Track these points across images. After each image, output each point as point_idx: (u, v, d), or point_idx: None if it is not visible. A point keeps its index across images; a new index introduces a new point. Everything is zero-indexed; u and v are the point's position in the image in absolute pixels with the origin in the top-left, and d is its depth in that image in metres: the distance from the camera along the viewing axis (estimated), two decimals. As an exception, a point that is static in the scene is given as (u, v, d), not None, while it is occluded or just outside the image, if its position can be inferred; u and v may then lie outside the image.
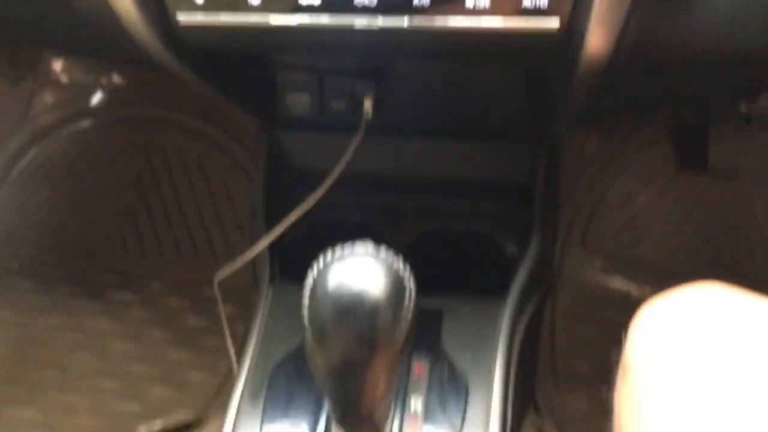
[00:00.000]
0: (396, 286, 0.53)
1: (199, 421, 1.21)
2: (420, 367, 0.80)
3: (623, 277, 1.39)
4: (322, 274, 0.53)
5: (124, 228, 1.51)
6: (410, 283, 0.54)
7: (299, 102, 0.97)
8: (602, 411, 1.22)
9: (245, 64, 0.93)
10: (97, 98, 1.58)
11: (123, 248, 1.50)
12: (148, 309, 1.43)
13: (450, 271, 0.93)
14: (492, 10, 0.64)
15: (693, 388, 0.47)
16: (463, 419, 0.78)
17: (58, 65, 1.58)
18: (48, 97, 1.58)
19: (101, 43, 0.83)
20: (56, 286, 1.46)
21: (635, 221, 1.40)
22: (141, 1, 0.67)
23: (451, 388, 0.80)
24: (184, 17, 0.68)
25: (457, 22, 0.65)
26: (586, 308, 1.37)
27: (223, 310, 1.11)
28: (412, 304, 0.53)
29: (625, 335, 0.53)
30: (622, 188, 1.41)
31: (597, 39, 0.64)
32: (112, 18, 0.69)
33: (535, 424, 1.17)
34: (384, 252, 0.55)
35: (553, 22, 0.64)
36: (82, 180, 1.55)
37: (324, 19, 0.66)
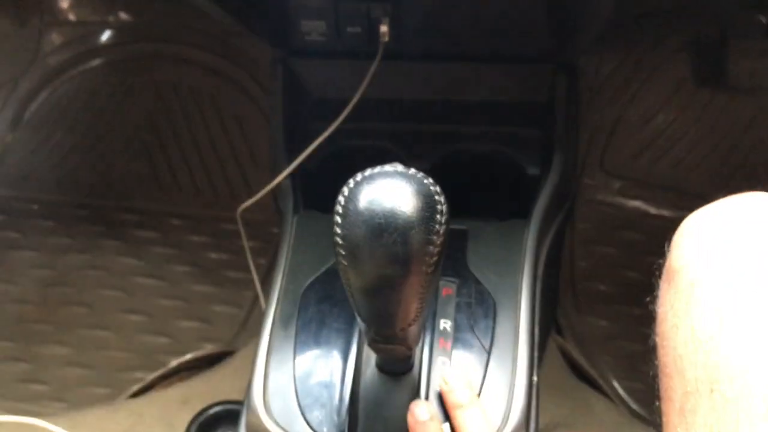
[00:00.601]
0: (428, 202, 0.53)
1: (228, 353, 1.24)
2: (447, 288, 0.81)
3: (642, 198, 1.39)
4: (353, 193, 0.53)
5: (140, 166, 1.51)
6: (441, 200, 0.54)
7: (314, 28, 0.96)
8: (623, 329, 1.23)
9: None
10: (106, 36, 1.56)
11: (140, 186, 1.51)
12: (169, 245, 1.45)
13: (472, 193, 0.93)
14: None
15: (745, 291, 0.47)
16: (492, 339, 0.78)
17: (64, 3, 1.56)
18: (56, 37, 1.56)
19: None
20: (77, 226, 1.47)
21: (654, 141, 1.39)
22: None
23: (479, 308, 0.80)
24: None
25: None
26: (604, 229, 1.37)
27: (246, 242, 1.12)
28: (444, 220, 0.53)
29: (668, 244, 0.53)
30: (640, 108, 1.40)
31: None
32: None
33: (558, 344, 1.19)
34: (413, 171, 0.55)
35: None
36: (95, 119, 1.54)
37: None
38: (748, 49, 1.30)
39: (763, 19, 1.31)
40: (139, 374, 1.25)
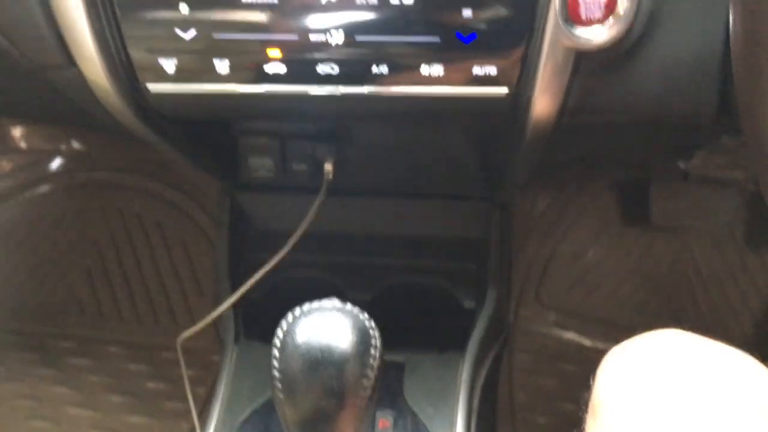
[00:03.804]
0: (362, 338, 0.55)
1: (160, 487, 1.20)
2: (384, 420, 0.82)
3: (576, 330, 1.43)
4: (291, 328, 0.56)
5: (81, 292, 1.50)
6: (376, 335, 0.56)
7: (261, 165, 1.00)
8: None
9: (209, 129, 0.97)
10: (55, 164, 1.59)
11: (80, 313, 1.49)
12: (106, 374, 1.42)
13: (410, 326, 0.96)
14: (445, 79, 0.69)
15: (662, 424, 0.50)
16: (428, 472, 0.79)
17: (16, 132, 1.59)
18: (5, 164, 1.58)
19: (68, 111, 0.85)
20: (11, 353, 1.44)
21: (586, 275, 1.46)
22: (113, 71, 0.70)
23: (415, 440, 0.82)
24: (154, 86, 0.71)
25: (413, 89, 0.69)
26: (542, 361, 1.40)
27: (185, 372, 1.11)
28: (378, 354, 0.56)
29: (593, 378, 0.56)
30: (571, 244, 1.47)
31: (542, 104, 0.69)
32: (83, 87, 0.72)
33: (497, 478, 1.19)
34: (350, 306, 0.58)
35: (501, 89, 0.69)
36: (39, 245, 1.54)
37: (289, 88, 0.70)
38: (669, 191, 1.40)
39: (682, 165, 1.42)
40: None
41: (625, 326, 1.41)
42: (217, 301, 1.01)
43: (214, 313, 0.97)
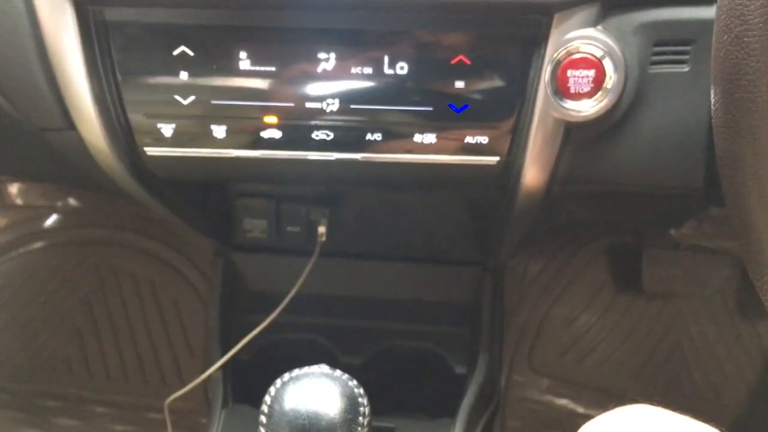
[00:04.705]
0: (351, 405, 0.55)
1: None
2: (372, 488, 0.81)
3: (569, 397, 1.42)
4: (279, 394, 0.56)
5: (70, 350, 1.49)
6: (364, 402, 0.56)
7: (256, 226, 1.01)
8: None
9: (205, 191, 0.98)
10: (51, 220, 1.59)
11: (68, 371, 1.47)
12: (92, 435, 1.40)
13: (401, 390, 0.95)
14: (438, 147, 0.70)
15: None
16: None
17: (13, 188, 1.60)
18: (1, 220, 1.59)
19: (65, 171, 0.86)
20: (-4, 411, 1.42)
21: (578, 341, 1.45)
22: (111, 135, 0.71)
23: None
24: (151, 150, 0.72)
25: (406, 157, 0.71)
26: (534, 428, 1.39)
27: (172, 434, 1.09)
28: (366, 422, 0.55)
29: None
30: (564, 309, 1.46)
31: (533, 173, 0.70)
32: (81, 149, 0.73)
33: None
34: (339, 372, 0.58)
35: (492, 159, 0.70)
36: (30, 302, 1.53)
37: (284, 153, 0.71)
38: (660, 258, 1.41)
39: (673, 232, 1.43)
40: None
41: (618, 393, 1.40)
42: (208, 362, 1.00)
43: (203, 376, 0.96)
